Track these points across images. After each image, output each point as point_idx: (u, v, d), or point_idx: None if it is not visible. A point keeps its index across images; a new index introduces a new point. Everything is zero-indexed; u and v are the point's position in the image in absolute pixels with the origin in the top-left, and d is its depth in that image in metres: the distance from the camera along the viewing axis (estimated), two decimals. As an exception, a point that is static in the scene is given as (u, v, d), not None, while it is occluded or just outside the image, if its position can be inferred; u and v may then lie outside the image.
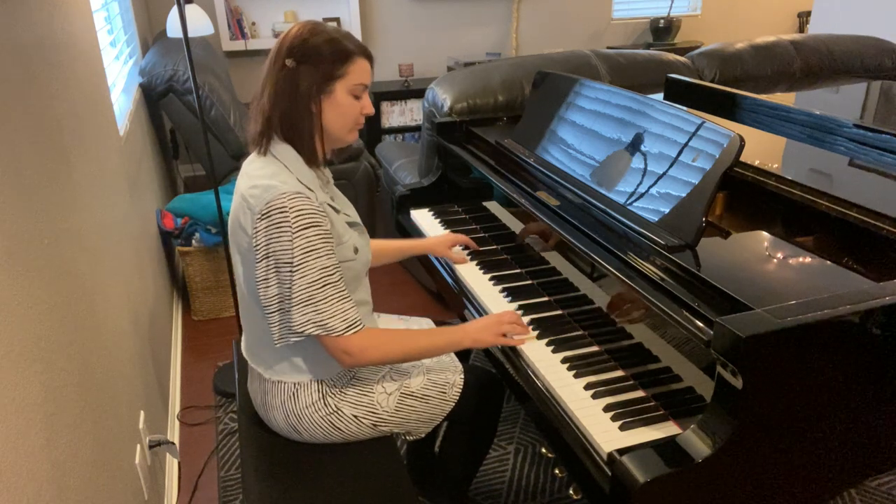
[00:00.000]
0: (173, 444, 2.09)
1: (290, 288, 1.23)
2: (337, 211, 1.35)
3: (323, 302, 1.24)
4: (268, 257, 1.23)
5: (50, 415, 1.05)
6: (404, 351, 1.33)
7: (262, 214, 1.22)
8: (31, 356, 1.01)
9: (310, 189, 1.27)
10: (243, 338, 1.47)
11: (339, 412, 1.39)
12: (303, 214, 1.21)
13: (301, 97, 1.27)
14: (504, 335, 1.40)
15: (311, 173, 1.32)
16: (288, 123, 1.28)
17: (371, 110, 1.34)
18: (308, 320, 1.24)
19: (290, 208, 1.21)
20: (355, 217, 1.43)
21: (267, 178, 1.25)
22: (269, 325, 1.29)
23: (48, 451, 1.01)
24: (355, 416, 1.39)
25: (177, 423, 2.29)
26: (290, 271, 1.22)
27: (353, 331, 1.26)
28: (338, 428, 1.39)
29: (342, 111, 1.30)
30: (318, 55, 1.26)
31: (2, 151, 1.03)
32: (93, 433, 1.27)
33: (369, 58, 1.32)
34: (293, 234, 1.21)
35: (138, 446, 1.63)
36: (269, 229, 1.22)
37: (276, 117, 1.28)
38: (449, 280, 1.80)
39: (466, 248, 1.85)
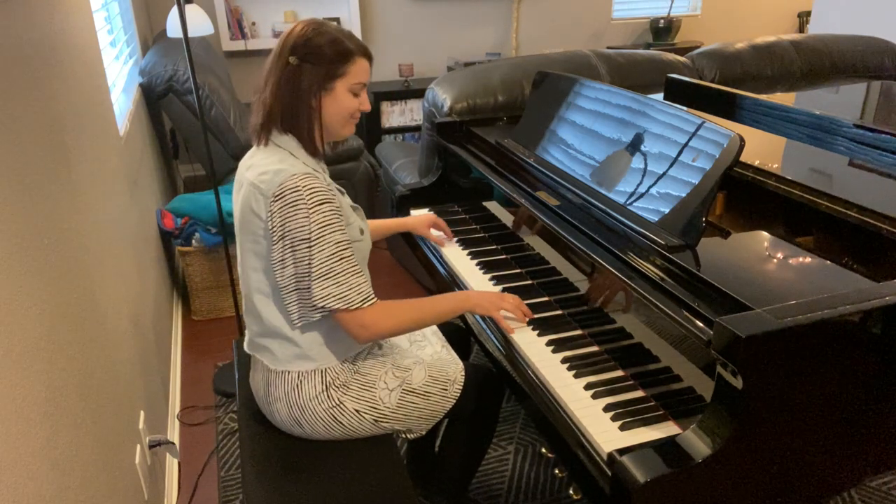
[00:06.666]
0: (173, 444, 2.08)
1: (308, 264, 1.28)
2: (343, 193, 1.42)
3: (342, 275, 1.29)
4: (284, 237, 1.28)
5: (50, 415, 1.05)
6: (413, 319, 1.39)
7: (276, 196, 1.27)
8: (32, 356, 1.01)
9: (316, 171, 1.33)
10: (247, 333, 1.47)
11: (342, 406, 1.39)
12: (316, 192, 1.27)
13: (302, 93, 1.32)
14: (501, 314, 1.46)
15: (314, 160, 1.37)
16: (289, 117, 1.34)
17: (368, 107, 1.40)
18: (329, 294, 1.29)
19: (303, 187, 1.26)
20: (352, 203, 1.47)
21: (275, 164, 1.30)
22: (286, 307, 1.34)
23: (48, 451, 1.01)
24: (357, 411, 1.40)
25: (177, 423, 2.29)
26: (309, 247, 1.27)
27: (368, 304, 1.32)
28: (339, 422, 1.40)
29: (341, 108, 1.36)
30: (320, 55, 1.31)
31: (2, 151, 1.03)
32: (93, 433, 1.27)
33: (369, 57, 1.38)
34: (309, 210, 1.26)
35: (138, 446, 1.63)
36: (284, 209, 1.26)
37: (278, 111, 1.33)
38: (449, 280, 1.80)
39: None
